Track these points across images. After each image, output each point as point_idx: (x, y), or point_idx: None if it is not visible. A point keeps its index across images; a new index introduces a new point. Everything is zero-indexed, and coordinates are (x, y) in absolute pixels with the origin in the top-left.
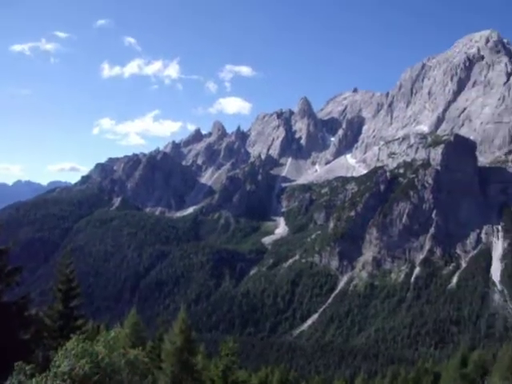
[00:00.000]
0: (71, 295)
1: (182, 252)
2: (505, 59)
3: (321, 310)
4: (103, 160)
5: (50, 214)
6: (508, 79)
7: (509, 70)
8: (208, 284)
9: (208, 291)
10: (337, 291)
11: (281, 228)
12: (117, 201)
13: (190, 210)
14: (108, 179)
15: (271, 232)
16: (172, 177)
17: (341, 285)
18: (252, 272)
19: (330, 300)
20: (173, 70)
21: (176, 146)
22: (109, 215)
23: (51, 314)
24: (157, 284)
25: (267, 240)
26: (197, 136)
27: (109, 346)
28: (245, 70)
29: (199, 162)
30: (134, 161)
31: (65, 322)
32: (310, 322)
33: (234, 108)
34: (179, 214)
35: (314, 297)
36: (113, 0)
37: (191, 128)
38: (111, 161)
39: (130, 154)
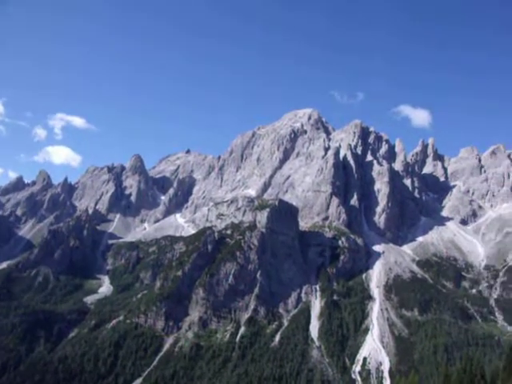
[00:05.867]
0: None
1: None
2: (323, 135)
3: (145, 373)
4: None
5: None
6: (325, 153)
7: (326, 145)
8: (18, 349)
9: (17, 358)
10: (162, 353)
11: (105, 287)
12: None
13: (4, 265)
14: None
15: (95, 291)
16: None
17: (166, 346)
18: (71, 334)
19: (155, 362)
20: None
21: None
22: None
23: None
24: None
25: (90, 299)
26: (18, 184)
27: None
28: (78, 121)
29: (19, 212)
30: None
31: None
32: None
33: (63, 158)
34: None
35: (139, 359)
36: None
37: (13, 175)
38: None
39: None
